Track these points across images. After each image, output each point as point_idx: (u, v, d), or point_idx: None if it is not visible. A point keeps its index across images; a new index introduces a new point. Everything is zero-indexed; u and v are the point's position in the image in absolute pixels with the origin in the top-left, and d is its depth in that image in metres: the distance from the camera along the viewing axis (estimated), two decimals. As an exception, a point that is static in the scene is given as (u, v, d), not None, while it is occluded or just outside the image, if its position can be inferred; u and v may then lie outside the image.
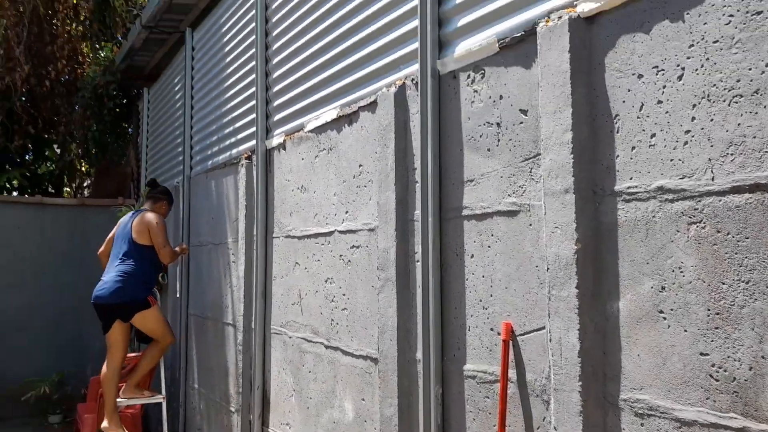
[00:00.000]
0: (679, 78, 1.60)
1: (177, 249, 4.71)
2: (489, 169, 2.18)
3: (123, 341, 4.31)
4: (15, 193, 9.27)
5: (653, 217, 1.65)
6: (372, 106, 2.82)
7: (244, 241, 4.05)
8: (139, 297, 4.29)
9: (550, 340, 1.86)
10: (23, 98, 8.55)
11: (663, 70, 1.64)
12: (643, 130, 1.69)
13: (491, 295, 2.16)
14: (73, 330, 6.68)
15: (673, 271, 1.60)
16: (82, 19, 8.49)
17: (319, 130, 3.28)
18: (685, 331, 1.57)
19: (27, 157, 9.44)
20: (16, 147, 8.54)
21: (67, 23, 8.58)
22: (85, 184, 10.36)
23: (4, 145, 8.34)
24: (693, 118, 1.57)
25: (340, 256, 3.05)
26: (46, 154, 9.87)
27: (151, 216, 4.47)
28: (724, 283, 1.49)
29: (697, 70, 1.56)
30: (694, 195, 1.55)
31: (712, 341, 1.51)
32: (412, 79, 2.56)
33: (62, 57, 8.42)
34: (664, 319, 1.62)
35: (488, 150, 2.19)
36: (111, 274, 4.31)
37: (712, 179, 1.52)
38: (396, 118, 2.61)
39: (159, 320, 4.44)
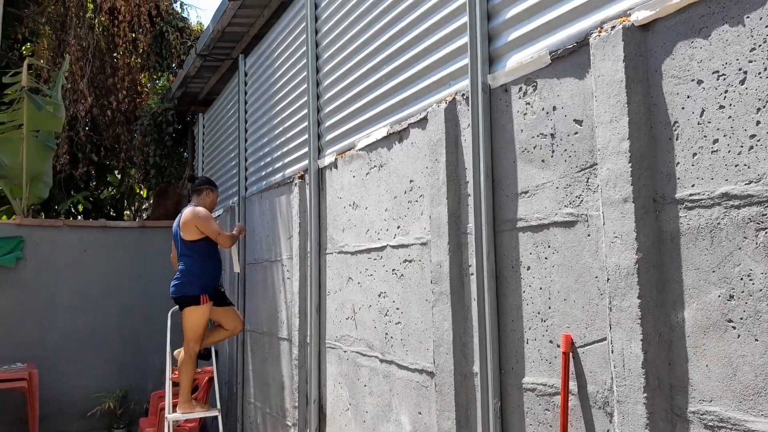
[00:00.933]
0: (742, 82, 1.58)
1: (234, 232, 4.74)
2: (544, 180, 2.18)
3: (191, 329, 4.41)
4: (80, 217, 9.76)
5: (718, 224, 1.62)
6: (422, 123, 2.86)
7: (298, 258, 4.14)
8: (190, 292, 4.40)
9: (612, 352, 1.83)
10: (87, 128, 9.04)
11: (724, 74, 1.62)
12: (705, 136, 1.66)
13: (549, 307, 2.14)
14: (134, 347, 6.93)
15: (741, 279, 1.56)
16: (140, 51, 8.94)
17: (370, 147, 3.34)
18: (756, 340, 1.52)
19: (90, 183, 9.93)
20: (80, 174, 9.01)
21: (126, 56, 9.05)
22: (143, 207, 10.80)
23: (69, 172, 8.81)
24: (758, 122, 1.54)
25: (393, 270, 3.08)
26: (108, 179, 10.36)
27: (193, 211, 4.49)
28: (797, 290, 1.44)
29: (760, 73, 1.53)
30: (762, 200, 1.51)
31: (787, 350, 1.46)
32: (463, 95, 2.59)
33: (123, 88, 8.89)
34: (734, 328, 1.58)
35: (543, 161, 2.19)
36: (175, 275, 4.55)
37: (780, 183, 1.48)
38: (447, 133, 2.64)
39: (197, 323, 4.41)
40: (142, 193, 10.37)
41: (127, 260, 7.06)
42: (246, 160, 5.56)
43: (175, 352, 4.71)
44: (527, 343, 2.24)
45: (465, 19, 2.54)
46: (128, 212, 10.75)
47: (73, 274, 6.78)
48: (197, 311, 4.39)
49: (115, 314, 6.92)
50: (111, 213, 10.12)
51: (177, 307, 4.57)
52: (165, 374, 4.88)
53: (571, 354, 2.03)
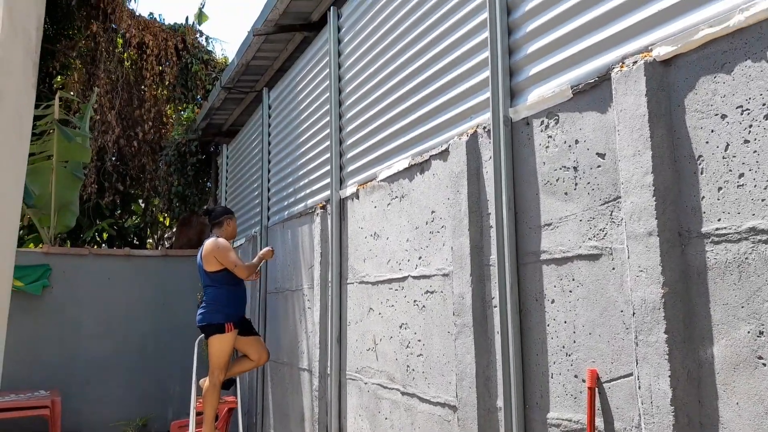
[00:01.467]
0: (766, 117, 1.58)
1: (255, 260, 4.69)
2: (567, 213, 2.18)
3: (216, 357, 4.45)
4: (104, 245, 9.92)
5: (746, 259, 1.60)
6: (444, 155, 2.89)
7: (319, 287, 4.15)
8: (215, 320, 4.45)
9: (639, 388, 1.81)
10: (114, 158, 9.27)
11: (748, 109, 1.62)
12: (730, 171, 1.66)
13: (574, 341, 2.12)
14: (155, 375, 6.96)
15: (771, 314, 1.54)
16: (166, 84, 9.19)
17: (391, 179, 3.38)
18: (790, 378, 1.49)
19: (116, 212, 10.13)
20: (106, 203, 9.20)
21: (153, 88, 9.31)
22: (166, 236, 10.96)
23: (96, 201, 9.01)
24: (783, 157, 1.53)
25: (415, 301, 3.08)
26: (132, 208, 10.55)
27: (212, 242, 4.56)
28: (830, 327, 1.41)
29: (784, 108, 1.54)
30: (790, 235, 1.50)
31: (822, 389, 1.42)
32: (484, 127, 2.62)
33: (149, 119, 9.13)
34: (764, 365, 1.55)
35: (565, 194, 2.20)
36: (201, 304, 4.63)
37: (809, 218, 1.47)
38: (468, 165, 2.66)
39: (222, 351, 4.44)
40: (165, 221, 10.53)
41: (150, 288, 7.14)
42: (269, 190, 5.64)
43: (201, 381, 4.73)
44: (552, 377, 2.21)
45: (486, 53, 2.59)
46: (151, 240, 10.90)
47: (98, 302, 6.87)
48: (222, 339, 4.43)
49: (137, 342, 6.98)
50: (134, 241, 10.28)
51: (203, 335, 4.60)
52: (188, 403, 4.88)
53: (596, 389, 2.00)
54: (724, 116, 1.69)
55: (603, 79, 2.05)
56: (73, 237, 9.16)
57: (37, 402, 5.72)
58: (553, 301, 2.22)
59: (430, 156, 3.00)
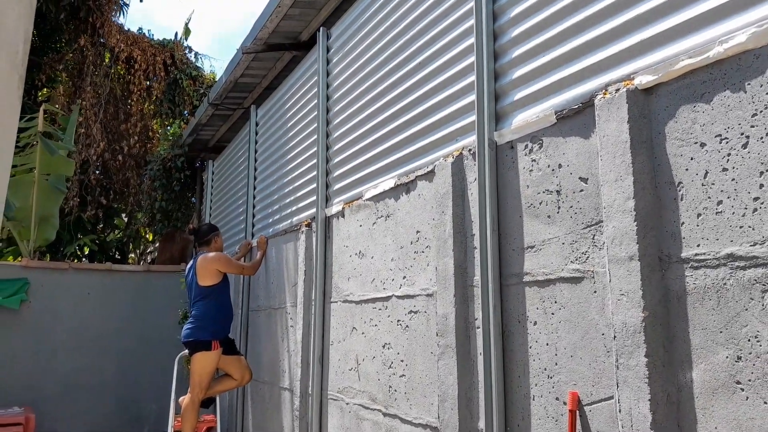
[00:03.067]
0: (744, 146, 1.62)
1: (260, 254, 4.94)
2: (550, 236, 2.21)
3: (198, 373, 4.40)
4: (85, 260, 9.78)
5: (724, 284, 1.63)
6: (429, 175, 2.91)
7: (303, 306, 4.13)
8: (203, 337, 4.40)
9: (620, 411, 1.81)
10: (97, 171, 9.19)
11: (726, 138, 1.67)
12: (709, 198, 1.70)
13: (556, 364, 2.13)
14: (132, 393, 6.83)
15: (749, 340, 1.56)
16: (153, 98, 9.18)
17: (377, 198, 3.39)
18: (765, 403, 1.51)
19: (98, 226, 10.01)
20: (88, 216, 9.09)
21: (140, 103, 9.29)
22: (148, 251, 10.84)
23: (78, 214, 8.90)
24: (761, 186, 1.57)
25: (398, 321, 3.07)
26: (114, 222, 10.44)
27: (210, 256, 4.57)
28: (805, 353, 1.44)
29: (762, 138, 1.58)
30: (767, 262, 1.53)
31: (797, 415, 1.44)
32: (469, 150, 2.65)
33: (134, 133, 9.09)
34: (742, 390, 1.57)
35: (548, 217, 2.22)
36: (188, 320, 4.60)
37: (785, 246, 1.50)
38: (454, 186, 2.68)
39: (206, 369, 4.39)
40: (148, 236, 10.43)
41: (131, 304, 7.04)
42: (254, 206, 5.62)
43: (180, 399, 4.65)
44: (533, 399, 2.22)
45: (473, 77, 2.63)
46: (133, 255, 10.78)
47: (76, 317, 6.76)
48: (207, 357, 4.38)
49: (115, 359, 6.85)
50: (116, 256, 10.15)
51: (186, 352, 4.54)
52: (166, 421, 4.79)
53: (577, 412, 2.00)
54: (703, 144, 1.73)
55: (586, 105, 2.09)
56: (53, 251, 9.03)
57: (10, 419, 5.59)
58: (535, 323, 2.24)
59: (416, 176, 3.02)
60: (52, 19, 8.91)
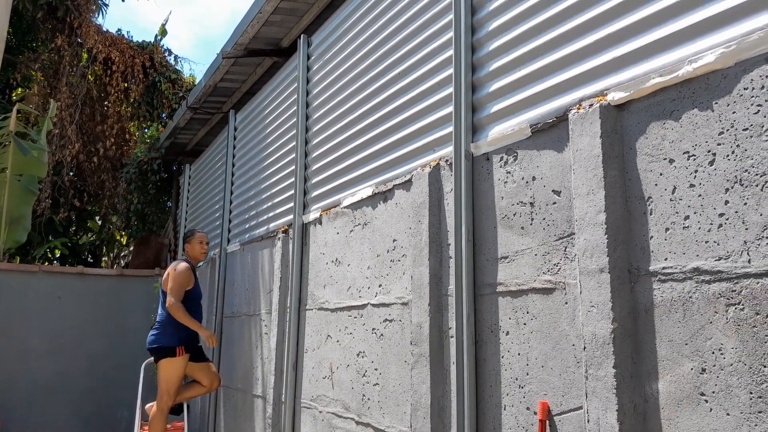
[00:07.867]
0: (711, 163, 1.67)
1: (198, 326, 4.38)
2: (523, 247, 2.24)
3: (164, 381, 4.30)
4: (56, 263, 9.59)
5: (690, 297, 1.67)
6: (407, 185, 2.93)
7: (278, 313, 4.10)
8: (168, 344, 4.31)
9: (588, 421, 1.84)
10: (71, 173, 9.03)
11: (694, 155, 1.71)
12: (677, 213, 1.74)
13: (527, 374, 2.15)
14: (103, 398, 6.69)
15: (713, 352, 1.60)
16: (131, 101, 9.07)
17: (355, 206, 3.40)
18: (728, 414, 1.55)
19: (70, 228, 9.83)
20: (61, 219, 8.92)
21: (117, 105, 9.16)
22: (122, 254, 10.67)
23: (50, 216, 8.73)
24: (726, 202, 1.62)
25: (373, 329, 3.07)
26: (88, 225, 10.26)
27: (174, 265, 4.53)
28: (765, 366, 1.48)
29: (728, 156, 1.63)
30: (732, 277, 1.57)
31: (756, 425, 1.48)
32: (446, 160, 2.68)
33: (111, 135, 8.96)
34: (706, 401, 1.60)
35: (522, 228, 2.25)
36: (153, 325, 4.48)
37: (749, 261, 1.54)
38: (430, 196, 2.70)
39: (172, 376, 4.30)
40: (122, 240, 10.27)
41: (103, 309, 6.91)
42: (230, 212, 5.58)
43: (147, 407, 4.57)
44: (505, 409, 2.23)
45: (451, 89, 2.66)
46: (106, 259, 10.60)
47: (46, 322, 6.61)
48: (173, 363, 4.30)
49: (86, 364, 6.71)
50: (89, 259, 9.97)
51: (152, 358, 4.47)
52: (133, 429, 4.70)
53: (547, 422, 2.03)
54: (672, 161, 1.77)
55: (561, 119, 2.13)
56: (23, 253, 8.84)
57: (-26, 426, 5.43)
58: (507, 333, 2.26)
59: (394, 185, 3.03)
60: (28, 18, 8.77)
